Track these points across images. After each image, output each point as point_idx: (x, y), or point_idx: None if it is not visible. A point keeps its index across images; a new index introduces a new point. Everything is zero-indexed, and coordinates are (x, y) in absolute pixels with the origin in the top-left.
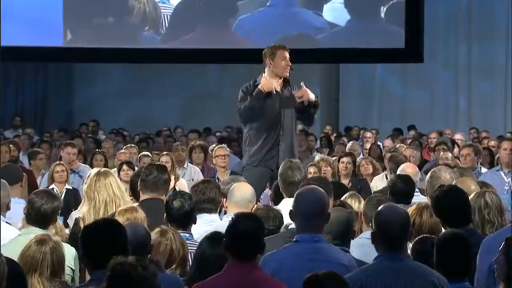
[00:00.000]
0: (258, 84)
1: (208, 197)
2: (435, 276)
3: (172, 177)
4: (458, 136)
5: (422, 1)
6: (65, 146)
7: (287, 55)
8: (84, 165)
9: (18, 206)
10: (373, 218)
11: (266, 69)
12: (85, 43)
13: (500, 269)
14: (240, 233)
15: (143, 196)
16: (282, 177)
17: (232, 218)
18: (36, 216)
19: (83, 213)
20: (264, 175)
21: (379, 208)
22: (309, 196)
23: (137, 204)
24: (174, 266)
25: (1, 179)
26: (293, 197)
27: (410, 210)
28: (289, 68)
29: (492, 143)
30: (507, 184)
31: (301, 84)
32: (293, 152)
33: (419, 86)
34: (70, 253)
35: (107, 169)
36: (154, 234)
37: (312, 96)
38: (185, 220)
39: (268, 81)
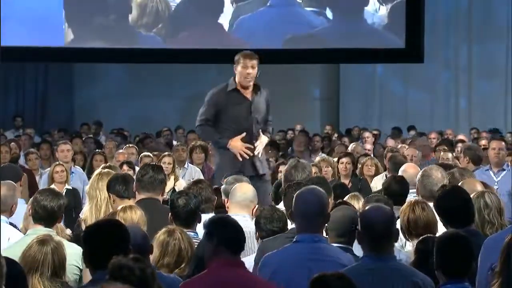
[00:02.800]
0: (230, 89)
1: (204, 198)
2: (419, 277)
3: (172, 178)
4: (461, 137)
5: (422, 2)
6: (59, 145)
7: (249, 63)
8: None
9: (18, 205)
10: (359, 218)
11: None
12: (86, 43)
13: (498, 265)
14: (232, 226)
15: (139, 196)
16: (285, 175)
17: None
18: (43, 214)
19: (85, 213)
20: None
21: (365, 208)
22: (309, 196)
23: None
24: (183, 266)
25: (8, 180)
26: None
27: (403, 208)
28: (249, 78)
29: (483, 142)
30: (496, 183)
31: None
32: (264, 157)
33: (420, 86)
34: (77, 252)
35: (109, 169)
36: (162, 234)
37: (262, 147)
38: (190, 218)
39: (238, 146)
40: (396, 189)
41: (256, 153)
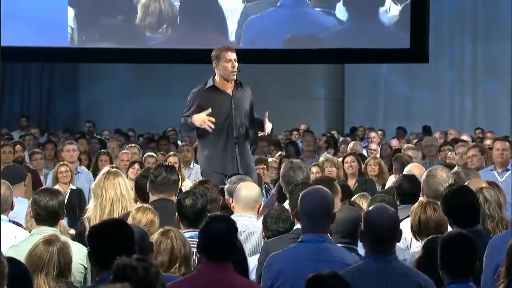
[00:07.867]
0: (208, 87)
1: (210, 198)
2: (420, 277)
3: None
4: (464, 137)
5: (427, 1)
6: (64, 145)
7: (232, 56)
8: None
9: (21, 205)
10: (363, 218)
11: (216, 72)
12: (91, 43)
13: (504, 266)
14: (213, 234)
15: (152, 197)
16: (284, 178)
17: (205, 219)
18: (45, 215)
19: (89, 210)
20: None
21: (369, 208)
22: (315, 197)
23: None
24: (177, 265)
25: (3, 180)
26: None
27: (414, 207)
28: (235, 70)
29: (488, 142)
30: (500, 183)
31: (266, 114)
32: (248, 155)
33: (425, 87)
34: (82, 251)
35: (117, 169)
36: (156, 234)
37: (269, 130)
38: (197, 218)
39: (199, 118)
40: (408, 188)
41: (267, 131)
